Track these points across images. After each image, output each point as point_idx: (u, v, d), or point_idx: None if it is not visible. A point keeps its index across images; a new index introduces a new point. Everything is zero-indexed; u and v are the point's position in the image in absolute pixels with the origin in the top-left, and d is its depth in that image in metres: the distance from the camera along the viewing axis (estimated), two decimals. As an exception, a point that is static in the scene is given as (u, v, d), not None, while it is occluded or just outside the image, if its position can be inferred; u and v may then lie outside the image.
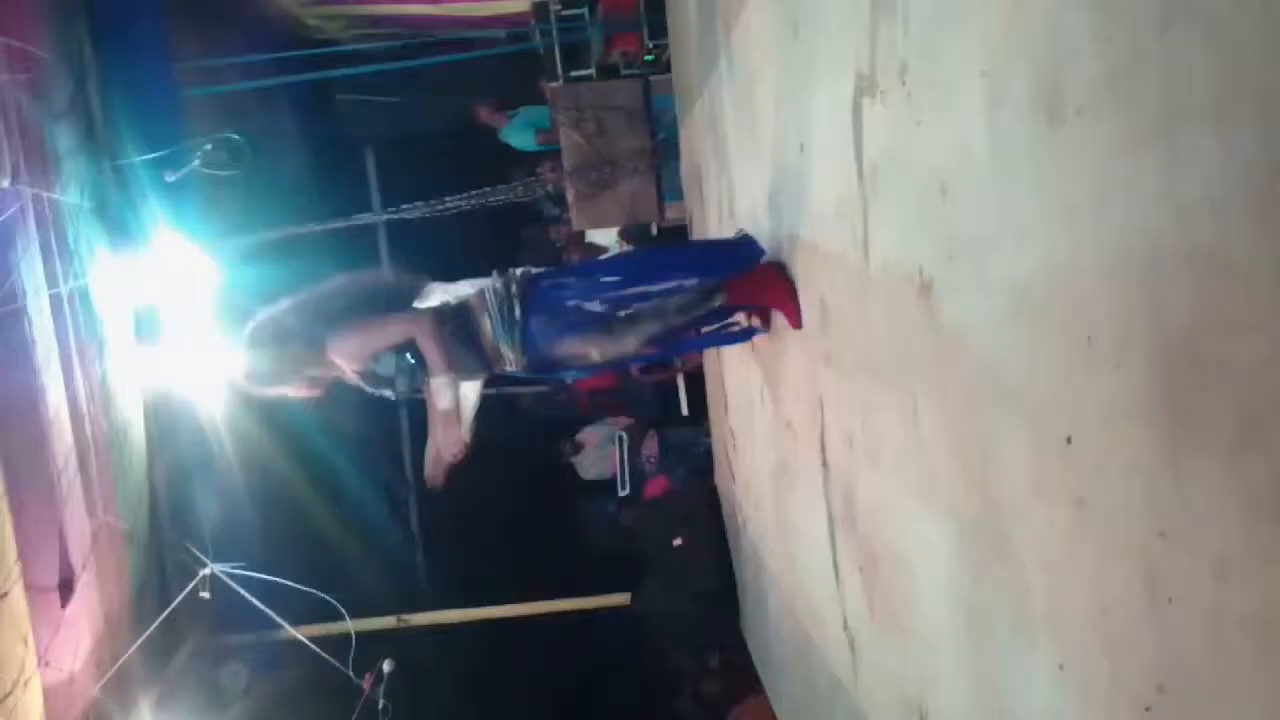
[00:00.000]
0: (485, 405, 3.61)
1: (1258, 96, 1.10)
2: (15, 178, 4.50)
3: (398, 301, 3.35)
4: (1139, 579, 1.44)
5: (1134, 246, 1.37)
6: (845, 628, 3.28)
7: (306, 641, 5.36)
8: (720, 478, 6.84)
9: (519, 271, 3.38)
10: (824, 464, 3.35)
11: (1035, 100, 1.61)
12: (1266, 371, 1.13)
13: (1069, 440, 1.60)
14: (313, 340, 3.22)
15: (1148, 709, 1.44)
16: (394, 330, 3.20)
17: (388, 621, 6.72)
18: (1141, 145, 1.32)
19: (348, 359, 3.22)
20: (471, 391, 3.50)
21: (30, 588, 4.17)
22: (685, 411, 8.41)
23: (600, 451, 8.97)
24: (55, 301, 4.71)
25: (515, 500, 8.99)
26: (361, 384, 3.29)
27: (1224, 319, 1.19)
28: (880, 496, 2.77)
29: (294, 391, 3.34)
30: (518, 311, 3.28)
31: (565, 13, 7.40)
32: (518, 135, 8.11)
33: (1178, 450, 1.32)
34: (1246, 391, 1.17)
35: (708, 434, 7.31)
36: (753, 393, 4.63)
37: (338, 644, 5.34)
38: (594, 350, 3.37)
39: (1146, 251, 1.34)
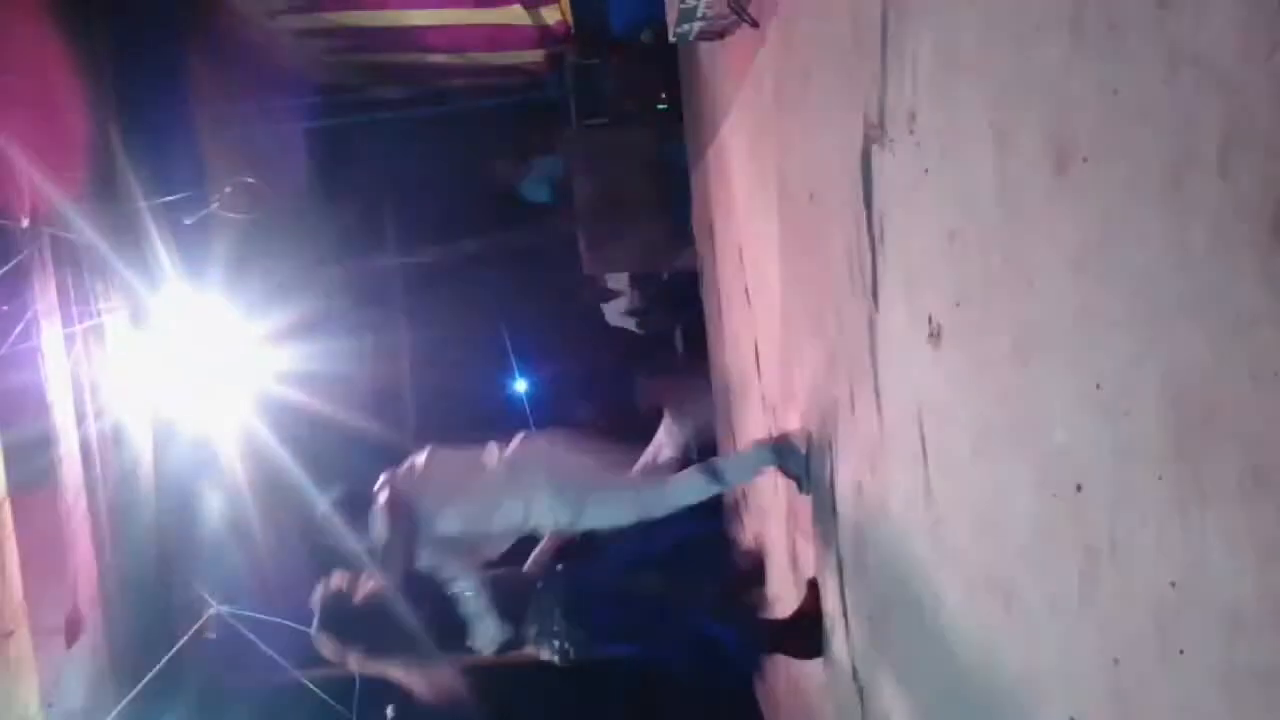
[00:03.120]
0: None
1: (1261, 143, 1.11)
2: (34, 218, 4.56)
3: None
4: (1150, 629, 1.42)
5: (1142, 293, 1.37)
6: (855, 677, 3.24)
7: (310, 686, 5.32)
8: (728, 522, 6.79)
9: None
10: (834, 511, 3.33)
11: (1043, 148, 1.62)
12: (1275, 419, 1.12)
13: (1079, 488, 1.59)
14: None
15: (1160, 763, 1.42)
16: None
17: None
18: (1148, 192, 1.33)
19: None
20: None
21: (36, 627, 4.16)
22: (695, 458, 8.36)
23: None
24: (69, 341, 4.75)
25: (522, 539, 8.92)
26: None
27: (1233, 366, 1.19)
28: (890, 543, 2.75)
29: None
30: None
31: (581, 63, 7.51)
32: (534, 189, 8.21)
33: (1188, 498, 1.31)
34: (1257, 439, 1.16)
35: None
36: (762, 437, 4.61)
37: (343, 687, 5.29)
38: None
39: (1154, 298, 1.34)
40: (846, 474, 3.14)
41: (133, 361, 5.44)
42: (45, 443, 4.47)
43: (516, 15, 7.12)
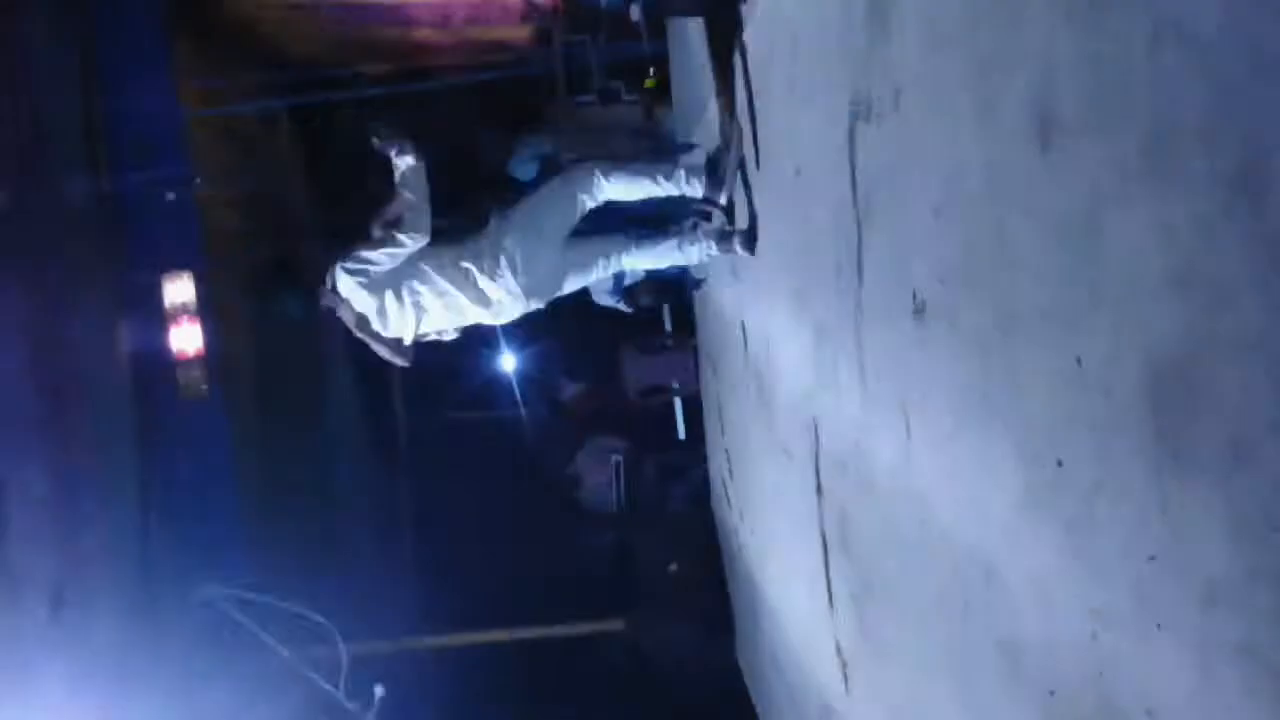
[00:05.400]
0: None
1: (1244, 117, 1.10)
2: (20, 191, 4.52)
3: None
4: (1128, 604, 1.42)
5: (1123, 268, 1.36)
6: (838, 653, 3.25)
7: (299, 664, 5.33)
8: (716, 503, 6.81)
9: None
10: (819, 489, 3.33)
11: (1027, 123, 1.61)
12: (1254, 393, 1.12)
13: (1059, 464, 1.59)
14: None
15: (1137, 737, 1.43)
16: None
17: (383, 646, 6.68)
18: (1130, 166, 1.32)
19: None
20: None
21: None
22: (682, 435, 8.38)
23: (599, 481, 8.95)
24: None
25: (511, 527, 8.99)
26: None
27: (1212, 341, 1.18)
28: (874, 522, 2.75)
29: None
30: None
31: (570, 39, 7.47)
32: (522, 167, 8.18)
33: (1166, 473, 1.30)
34: (1234, 413, 1.16)
35: (704, 459, 7.29)
36: (748, 416, 4.61)
37: (333, 666, 5.31)
38: None
39: (1136, 273, 1.33)
40: (831, 453, 3.14)
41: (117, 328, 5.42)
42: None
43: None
